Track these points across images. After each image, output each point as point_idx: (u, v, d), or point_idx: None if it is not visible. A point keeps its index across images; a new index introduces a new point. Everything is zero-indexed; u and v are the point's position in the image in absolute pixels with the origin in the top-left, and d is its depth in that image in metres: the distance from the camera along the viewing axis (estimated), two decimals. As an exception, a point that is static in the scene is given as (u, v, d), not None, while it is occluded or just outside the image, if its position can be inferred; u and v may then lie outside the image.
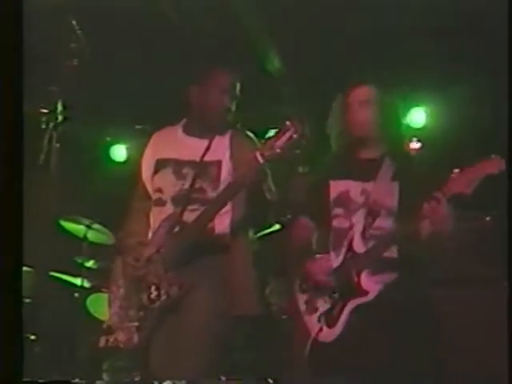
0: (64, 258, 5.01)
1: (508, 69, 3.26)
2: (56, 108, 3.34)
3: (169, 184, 3.34)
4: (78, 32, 3.36)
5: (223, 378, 3.52)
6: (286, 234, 3.57)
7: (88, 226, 5.30)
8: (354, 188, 3.07)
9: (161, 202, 3.34)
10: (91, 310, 5.23)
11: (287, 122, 3.04)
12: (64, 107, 3.36)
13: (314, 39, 4.98)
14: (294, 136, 3.01)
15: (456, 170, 2.77)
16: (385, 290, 2.90)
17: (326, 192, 3.13)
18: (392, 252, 2.94)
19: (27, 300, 4.44)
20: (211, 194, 3.25)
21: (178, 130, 3.48)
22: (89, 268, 5.40)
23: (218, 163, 3.30)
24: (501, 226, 3.61)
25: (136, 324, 3.15)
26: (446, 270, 4.17)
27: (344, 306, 2.93)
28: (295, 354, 3.13)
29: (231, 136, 3.38)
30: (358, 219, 3.01)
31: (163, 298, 3.12)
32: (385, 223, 2.99)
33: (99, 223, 5.31)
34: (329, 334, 2.94)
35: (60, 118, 3.34)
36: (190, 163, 3.32)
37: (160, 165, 3.39)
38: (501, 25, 3.37)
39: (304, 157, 3.35)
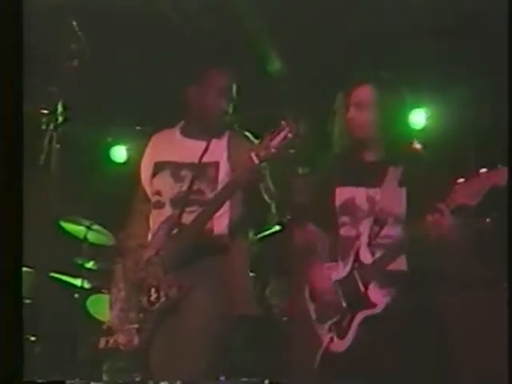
0: (64, 258, 5.00)
1: (508, 69, 3.26)
2: (56, 109, 3.34)
3: (167, 186, 3.34)
4: (78, 32, 3.36)
5: (223, 378, 3.52)
6: (289, 237, 3.54)
7: (88, 227, 5.30)
8: (359, 195, 3.03)
9: (159, 205, 3.34)
10: (91, 310, 5.23)
11: (282, 122, 3.02)
12: (64, 108, 3.35)
13: (313, 39, 4.98)
14: (289, 136, 2.99)
15: (460, 180, 2.69)
16: (392, 302, 2.87)
17: (332, 199, 3.09)
18: (399, 264, 2.90)
19: (27, 301, 4.45)
20: (209, 195, 3.25)
21: (175, 133, 3.48)
22: (89, 269, 5.40)
23: (216, 164, 3.30)
24: (501, 227, 3.61)
25: (136, 326, 3.15)
26: (446, 272, 4.17)
27: (353, 317, 2.90)
28: (305, 361, 3.12)
29: (229, 137, 3.38)
30: (365, 228, 2.97)
31: (163, 299, 3.12)
32: (392, 231, 2.95)
33: (99, 224, 5.31)
34: (340, 345, 2.92)
35: (60, 118, 3.33)
36: (188, 165, 3.31)
37: (158, 167, 3.39)
38: (501, 25, 3.38)
39: (303, 157, 3.33)
